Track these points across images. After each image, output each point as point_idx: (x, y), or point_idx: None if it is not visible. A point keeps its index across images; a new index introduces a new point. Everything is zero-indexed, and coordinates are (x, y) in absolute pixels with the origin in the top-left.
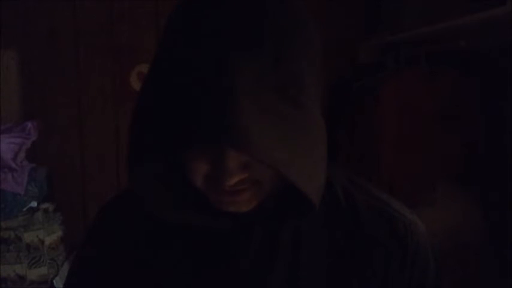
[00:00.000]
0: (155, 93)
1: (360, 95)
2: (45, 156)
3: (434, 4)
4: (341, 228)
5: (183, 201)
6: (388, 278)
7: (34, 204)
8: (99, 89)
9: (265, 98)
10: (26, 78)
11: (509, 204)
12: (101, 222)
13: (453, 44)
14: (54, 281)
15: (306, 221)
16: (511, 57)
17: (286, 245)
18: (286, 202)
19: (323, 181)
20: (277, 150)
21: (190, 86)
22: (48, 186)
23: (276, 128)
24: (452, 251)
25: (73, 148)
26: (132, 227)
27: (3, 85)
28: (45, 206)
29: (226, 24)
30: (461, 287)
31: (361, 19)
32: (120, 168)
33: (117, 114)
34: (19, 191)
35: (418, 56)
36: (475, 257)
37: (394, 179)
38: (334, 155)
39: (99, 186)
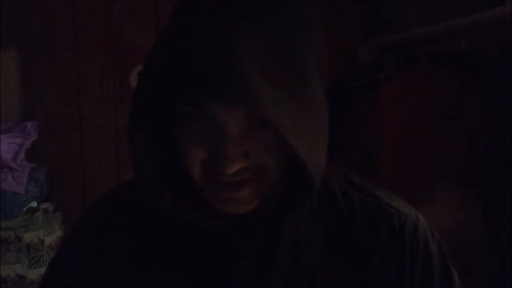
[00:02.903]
0: (162, 56)
1: (360, 95)
2: (45, 156)
3: (434, 4)
4: (339, 228)
5: (183, 200)
6: (388, 276)
7: (34, 204)
8: (99, 89)
9: (270, 65)
10: (26, 78)
11: (509, 204)
12: (90, 221)
13: (453, 44)
14: None
15: (305, 221)
16: (511, 57)
17: (284, 246)
18: (285, 201)
19: (324, 160)
20: (281, 112)
21: (197, 47)
22: (48, 186)
23: (280, 94)
24: (452, 250)
25: (73, 148)
26: (126, 225)
27: (3, 85)
28: (45, 206)
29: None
30: (461, 286)
31: (361, 19)
32: (120, 168)
33: (117, 114)
34: (19, 191)
35: (418, 56)
36: (475, 257)
37: (394, 179)
38: (334, 155)
39: (99, 187)
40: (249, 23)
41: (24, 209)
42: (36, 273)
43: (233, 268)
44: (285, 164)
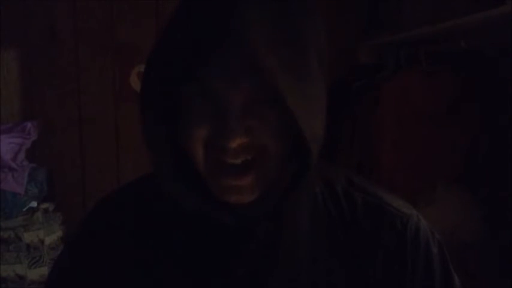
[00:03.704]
0: (167, 40)
1: (360, 95)
2: (45, 156)
3: (434, 4)
4: (341, 228)
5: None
6: (389, 275)
7: (34, 204)
8: (99, 89)
9: (272, 38)
10: (26, 78)
11: (509, 204)
12: (92, 222)
13: (453, 44)
14: None
15: (306, 219)
16: (511, 57)
17: (286, 244)
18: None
19: (322, 135)
20: (282, 82)
21: (199, 21)
22: (48, 186)
23: (282, 65)
24: (452, 250)
25: (73, 148)
26: (128, 225)
27: (3, 85)
28: (45, 206)
29: None
30: (461, 286)
31: (361, 19)
32: (120, 168)
33: (117, 114)
34: (19, 191)
35: (418, 56)
36: (475, 256)
37: (394, 179)
38: (334, 155)
39: (99, 186)
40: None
41: (24, 209)
42: (36, 273)
43: (235, 265)
44: (286, 149)
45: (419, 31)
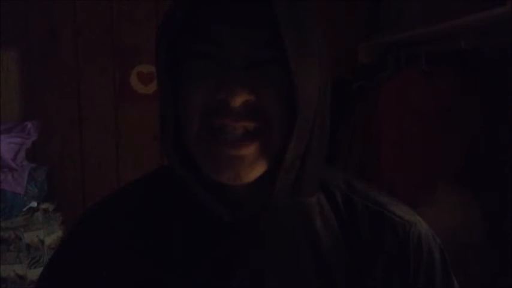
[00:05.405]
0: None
1: (360, 95)
2: (45, 156)
3: (434, 4)
4: (340, 233)
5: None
6: (390, 283)
7: (34, 204)
8: (99, 89)
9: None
10: (26, 78)
11: (509, 204)
12: (88, 222)
13: (453, 44)
14: None
15: (305, 224)
16: (511, 57)
17: (284, 248)
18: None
19: (315, 98)
20: (290, 36)
21: None
22: (48, 186)
23: (293, 24)
24: (452, 251)
25: (73, 148)
26: (127, 222)
27: (3, 85)
28: (45, 206)
29: None
30: (461, 287)
31: (361, 19)
32: (120, 168)
33: (117, 114)
34: (19, 191)
35: (418, 56)
36: (475, 257)
37: (394, 179)
38: (334, 156)
39: (99, 187)
40: None
41: (24, 209)
42: (36, 273)
43: (235, 264)
44: (285, 124)
45: (419, 31)
